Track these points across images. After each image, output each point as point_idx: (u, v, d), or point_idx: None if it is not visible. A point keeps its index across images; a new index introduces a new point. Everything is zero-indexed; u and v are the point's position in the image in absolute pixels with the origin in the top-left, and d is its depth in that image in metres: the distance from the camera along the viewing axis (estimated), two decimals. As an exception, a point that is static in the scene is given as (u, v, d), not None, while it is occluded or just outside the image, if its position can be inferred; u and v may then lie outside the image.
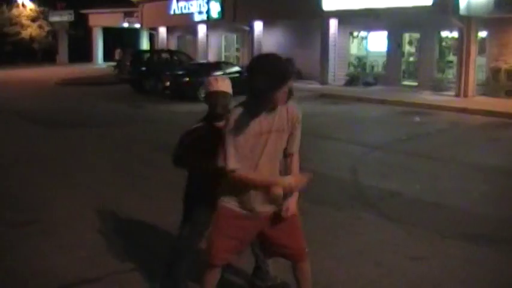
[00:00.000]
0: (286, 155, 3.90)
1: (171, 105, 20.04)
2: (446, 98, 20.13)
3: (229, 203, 3.87)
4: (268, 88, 3.47)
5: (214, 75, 4.51)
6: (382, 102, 19.59)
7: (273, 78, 3.44)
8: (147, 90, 23.54)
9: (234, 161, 3.64)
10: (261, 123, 3.66)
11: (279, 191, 3.63)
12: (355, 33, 27.11)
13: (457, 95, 20.41)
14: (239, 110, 3.68)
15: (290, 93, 3.67)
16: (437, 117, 16.46)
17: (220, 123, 4.11)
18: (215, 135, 3.98)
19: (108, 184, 8.83)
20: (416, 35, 24.57)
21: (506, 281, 5.35)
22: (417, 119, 15.76)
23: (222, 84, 4.32)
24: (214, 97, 4.29)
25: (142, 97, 22.52)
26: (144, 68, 25.08)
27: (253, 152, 3.69)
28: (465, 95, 20.19)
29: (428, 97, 20.56)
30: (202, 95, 4.41)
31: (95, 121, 16.14)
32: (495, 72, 20.64)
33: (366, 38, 26.68)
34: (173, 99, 20.95)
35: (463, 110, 17.57)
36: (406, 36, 25.08)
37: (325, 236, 6.27)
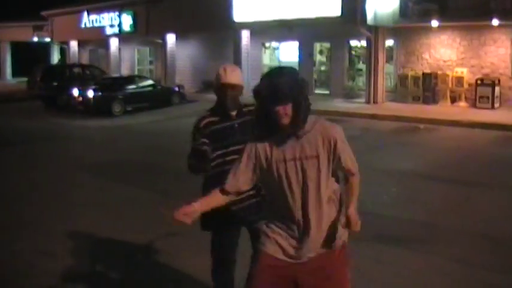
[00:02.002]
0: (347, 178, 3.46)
1: (85, 120, 19.69)
2: (357, 105, 20.72)
3: (269, 247, 3.36)
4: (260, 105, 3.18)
5: (224, 65, 4.13)
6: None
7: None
8: (59, 106, 22.99)
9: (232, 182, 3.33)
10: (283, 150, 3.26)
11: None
12: (267, 44, 27.46)
13: (368, 102, 21.03)
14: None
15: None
16: (349, 124, 16.88)
17: (233, 113, 4.05)
18: (228, 126, 3.95)
19: (29, 203, 8.68)
20: (327, 45, 25.15)
21: (415, 278, 5.60)
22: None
23: (231, 75, 4.06)
24: (223, 90, 4.04)
25: (55, 113, 22.01)
26: (55, 84, 24.48)
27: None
28: (375, 102, 20.84)
29: (340, 105, 21.08)
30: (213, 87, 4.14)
31: (8, 139, 15.63)
32: (403, 79, 21.42)
33: (277, 48, 27.09)
34: (86, 115, 20.58)
35: (374, 116, 18.14)
36: (317, 46, 25.62)
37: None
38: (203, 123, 4.11)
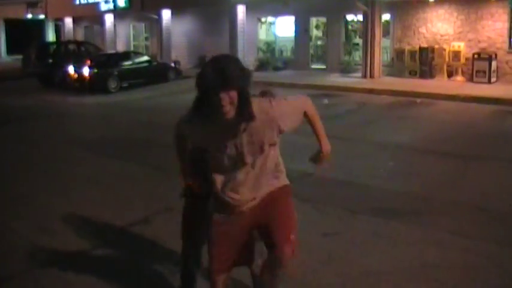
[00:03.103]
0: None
1: (80, 97, 19.62)
2: (354, 80, 20.65)
3: (217, 215, 3.64)
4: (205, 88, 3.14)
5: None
6: (292, 86, 19.84)
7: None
8: (54, 83, 22.86)
9: None
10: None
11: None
12: (263, 19, 27.30)
13: (364, 77, 20.96)
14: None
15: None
16: (346, 99, 16.89)
17: None
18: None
19: (25, 180, 8.68)
20: (323, 20, 25.01)
21: (411, 250, 5.61)
22: (326, 101, 16.07)
23: None
24: None
25: (50, 91, 21.89)
26: (50, 61, 24.35)
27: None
28: (372, 76, 20.78)
29: (336, 79, 21.02)
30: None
31: (3, 117, 15.54)
32: (399, 53, 21.33)
33: (273, 23, 26.93)
34: (82, 92, 20.48)
35: (370, 91, 18.10)
36: (313, 21, 25.49)
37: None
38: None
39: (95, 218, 6.74)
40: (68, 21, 37.14)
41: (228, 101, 3.09)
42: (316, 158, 3.78)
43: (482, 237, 5.93)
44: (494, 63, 18.80)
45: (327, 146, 3.75)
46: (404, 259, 5.40)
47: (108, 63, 21.70)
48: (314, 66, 24.72)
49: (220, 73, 3.04)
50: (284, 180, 3.72)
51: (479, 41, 19.66)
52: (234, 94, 3.10)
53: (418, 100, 16.33)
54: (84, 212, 6.96)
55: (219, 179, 3.51)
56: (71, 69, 21.42)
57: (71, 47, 28.02)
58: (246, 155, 3.38)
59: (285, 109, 3.43)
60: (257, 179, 3.51)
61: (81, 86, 20.97)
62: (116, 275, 5.14)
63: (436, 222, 6.42)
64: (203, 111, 3.21)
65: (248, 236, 3.73)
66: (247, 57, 25.61)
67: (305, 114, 3.60)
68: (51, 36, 41.12)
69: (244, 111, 3.17)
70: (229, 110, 3.12)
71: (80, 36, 37.14)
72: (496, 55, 18.95)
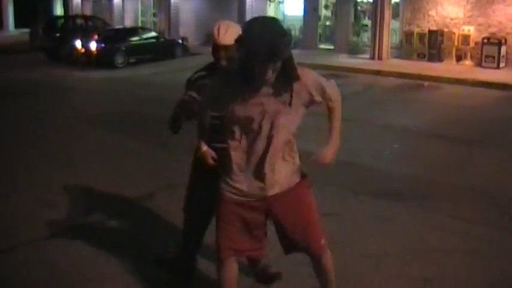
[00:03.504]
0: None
1: (87, 72, 19.57)
2: (362, 61, 20.53)
3: (228, 191, 3.43)
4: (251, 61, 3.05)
5: (219, 23, 3.95)
6: (300, 65, 19.69)
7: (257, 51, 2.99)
8: (62, 57, 22.80)
9: None
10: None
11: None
12: (272, -2, 27.17)
13: (372, 58, 20.82)
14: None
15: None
16: (353, 80, 16.80)
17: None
18: None
19: (29, 153, 8.72)
20: (332, 0, 24.84)
21: (413, 233, 5.61)
22: (332, 81, 15.96)
23: (225, 36, 3.86)
24: (217, 51, 3.92)
25: (57, 65, 21.82)
26: (58, 35, 24.27)
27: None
28: (380, 58, 20.65)
29: (344, 60, 20.90)
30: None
31: (9, 90, 15.50)
32: (408, 35, 21.17)
33: (282, 2, 26.76)
34: (89, 67, 20.42)
35: (378, 73, 17.99)
36: (323, 1, 25.30)
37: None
38: (194, 77, 4.11)
39: (97, 192, 6.77)
40: (76, -5, 36.98)
41: (273, 70, 3.08)
42: (314, 158, 3.54)
43: (484, 222, 5.93)
44: (503, 48, 18.63)
45: (333, 146, 3.59)
46: (405, 242, 5.41)
47: (115, 38, 21.63)
48: (322, 46, 24.58)
49: (269, 47, 2.97)
50: (300, 173, 3.56)
51: (489, 26, 19.47)
52: (279, 63, 3.09)
53: (426, 83, 16.24)
54: (86, 186, 6.99)
55: (237, 155, 3.37)
56: (78, 43, 21.36)
57: (79, 21, 27.88)
58: (271, 120, 3.27)
59: (315, 79, 3.41)
60: (276, 156, 3.36)
61: (88, 60, 20.90)
62: (117, 248, 5.16)
63: (438, 206, 6.41)
64: (243, 74, 3.15)
65: (262, 227, 3.56)
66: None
67: (328, 100, 3.48)
68: (59, 10, 41.01)
69: (291, 74, 3.19)
70: (272, 77, 3.13)
71: (88, 11, 36.94)
72: (505, 40, 18.77)
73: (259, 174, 3.36)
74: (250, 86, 3.17)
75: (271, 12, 27.18)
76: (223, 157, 3.48)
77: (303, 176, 3.55)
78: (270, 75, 3.09)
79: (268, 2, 27.00)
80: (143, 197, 6.58)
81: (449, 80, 16.39)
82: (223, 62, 3.93)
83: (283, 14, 26.57)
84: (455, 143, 9.41)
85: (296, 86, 3.25)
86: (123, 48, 21.15)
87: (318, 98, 3.38)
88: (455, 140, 9.54)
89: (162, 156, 8.40)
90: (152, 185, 6.98)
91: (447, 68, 18.75)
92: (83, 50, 21.15)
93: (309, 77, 3.34)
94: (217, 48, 3.91)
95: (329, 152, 3.55)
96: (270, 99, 3.22)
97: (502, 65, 18.55)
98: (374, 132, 10.13)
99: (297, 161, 3.52)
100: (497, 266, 4.95)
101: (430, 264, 4.94)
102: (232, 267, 3.53)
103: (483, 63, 18.70)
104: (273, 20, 3.25)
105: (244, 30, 3.12)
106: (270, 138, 3.29)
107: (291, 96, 3.24)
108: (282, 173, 3.41)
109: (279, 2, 27.01)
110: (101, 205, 6.42)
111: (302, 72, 3.29)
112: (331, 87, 3.49)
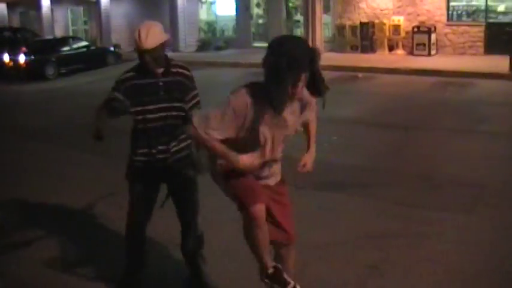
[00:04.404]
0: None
1: (18, 86, 19.01)
2: (297, 57, 20.56)
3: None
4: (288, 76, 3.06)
5: (139, 27, 3.83)
6: (235, 65, 19.69)
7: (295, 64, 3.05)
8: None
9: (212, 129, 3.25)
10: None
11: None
12: (204, -1, 27.06)
13: (307, 53, 20.90)
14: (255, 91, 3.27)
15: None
16: (288, 76, 16.79)
17: (159, 70, 3.89)
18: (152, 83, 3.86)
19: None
20: (264, -3, 24.93)
21: (356, 221, 5.63)
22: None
23: (147, 40, 3.76)
24: (141, 56, 3.82)
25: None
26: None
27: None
28: (314, 53, 20.75)
29: (279, 57, 20.89)
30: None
31: None
32: (340, 28, 21.43)
33: (214, 2, 26.68)
34: (19, 80, 19.85)
35: (312, 67, 18.05)
36: (253, -1, 25.38)
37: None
38: (122, 78, 4.00)
39: (41, 206, 6.56)
40: (2, 6, 35.89)
41: (302, 87, 3.18)
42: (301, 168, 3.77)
43: (425, 205, 6.00)
44: (433, 36, 19.07)
45: (312, 155, 3.90)
46: (349, 230, 5.41)
47: (44, 50, 21.13)
48: (256, 44, 24.55)
49: (295, 67, 3.04)
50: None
51: (418, 15, 19.88)
52: (305, 77, 3.15)
53: (360, 74, 16.43)
54: (30, 200, 6.78)
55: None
56: (6, 57, 20.77)
57: (7, 34, 27.07)
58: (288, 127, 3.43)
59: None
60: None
61: (17, 74, 20.37)
62: (61, 263, 4.98)
63: (379, 193, 6.46)
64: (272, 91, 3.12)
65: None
66: (189, 38, 25.36)
67: (312, 111, 3.77)
68: (-16, 24, 39.74)
69: (320, 89, 3.29)
70: (301, 91, 3.22)
71: (16, 23, 36.01)
72: (435, 28, 19.21)
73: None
74: (278, 103, 3.14)
75: (203, 13, 27.10)
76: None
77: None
78: (301, 91, 3.20)
79: (199, 3, 26.86)
80: (85, 206, 6.38)
81: (383, 69, 16.66)
82: (149, 65, 3.84)
83: (215, 14, 26.50)
84: (393, 130, 9.53)
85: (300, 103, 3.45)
86: (53, 59, 20.67)
87: (308, 108, 3.57)
88: (393, 127, 9.66)
89: (102, 165, 8.18)
90: (94, 194, 6.77)
91: (380, 58, 19.06)
92: (11, 63, 20.57)
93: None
94: (141, 53, 3.82)
95: (310, 162, 3.82)
96: (291, 114, 3.37)
97: (433, 52, 18.98)
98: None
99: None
100: (443, 247, 4.99)
101: (375, 250, 4.95)
102: (264, 227, 3.38)
103: (415, 52, 19.11)
104: (298, 42, 3.24)
105: (275, 46, 3.13)
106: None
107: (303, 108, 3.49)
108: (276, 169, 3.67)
109: (211, 3, 26.91)
110: (45, 219, 6.18)
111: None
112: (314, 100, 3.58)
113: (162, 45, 3.86)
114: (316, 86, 3.25)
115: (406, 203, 6.05)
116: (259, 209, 3.26)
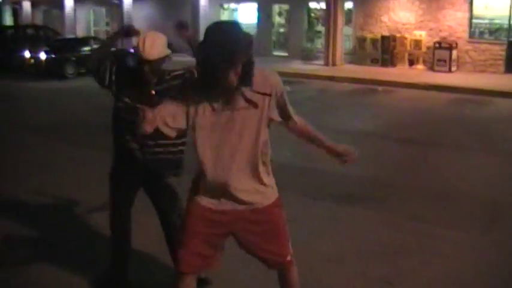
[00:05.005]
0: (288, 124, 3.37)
1: (37, 83, 19.13)
2: (316, 67, 20.61)
3: (201, 199, 3.23)
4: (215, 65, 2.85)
5: (145, 35, 3.80)
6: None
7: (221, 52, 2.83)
8: (11, 68, 22.21)
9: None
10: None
11: None
12: (226, 5, 27.10)
13: (326, 64, 20.94)
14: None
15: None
16: (307, 86, 16.82)
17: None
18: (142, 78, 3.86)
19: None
20: (286, 7, 24.91)
21: (369, 234, 5.58)
22: (288, 88, 15.93)
23: (150, 51, 3.74)
24: (140, 63, 3.80)
25: (6, 76, 21.28)
26: (7, 45, 23.67)
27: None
28: (333, 64, 20.77)
29: (298, 66, 20.95)
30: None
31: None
32: (361, 41, 21.39)
33: (236, 9, 26.75)
34: (38, 77, 19.97)
35: (332, 78, 18.07)
36: (276, 8, 25.37)
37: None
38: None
39: (42, 202, 6.55)
40: (26, 4, 36.29)
41: (234, 75, 2.90)
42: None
43: (441, 222, 5.93)
44: (454, 52, 18.97)
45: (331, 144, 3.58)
46: (364, 244, 5.36)
47: (65, 49, 21.21)
48: (276, 53, 24.63)
49: (227, 54, 2.82)
50: (275, 191, 3.40)
51: (440, 30, 19.81)
52: (239, 67, 2.89)
53: (380, 88, 16.37)
54: (31, 195, 6.76)
55: (206, 156, 3.12)
56: (27, 54, 20.90)
57: (29, 31, 27.23)
58: (237, 126, 3.06)
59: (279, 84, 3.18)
60: (247, 165, 3.14)
61: (37, 71, 20.45)
62: (70, 262, 4.97)
63: (394, 207, 6.40)
64: (206, 82, 2.97)
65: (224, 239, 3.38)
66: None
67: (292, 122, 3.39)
68: (8, 20, 40.17)
69: (246, 79, 2.95)
70: (234, 81, 2.92)
71: (39, 21, 36.28)
72: (456, 44, 19.11)
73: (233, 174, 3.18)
74: (213, 94, 3.01)
75: (225, 17, 27.17)
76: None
77: (277, 196, 3.42)
78: (232, 79, 2.90)
79: (221, 10, 26.94)
80: (96, 205, 6.37)
81: (403, 84, 16.58)
82: (146, 75, 3.83)
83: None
84: (410, 145, 9.47)
85: (260, 87, 3.07)
86: (73, 59, 20.75)
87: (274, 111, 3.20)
88: (410, 142, 9.60)
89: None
90: (97, 191, 6.75)
91: (400, 72, 18.98)
92: (32, 61, 20.70)
93: (274, 79, 3.16)
94: (141, 61, 3.79)
95: (346, 148, 3.60)
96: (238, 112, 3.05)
97: (453, 68, 18.88)
98: (329, 136, 9.98)
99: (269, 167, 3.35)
100: (456, 266, 4.93)
101: (390, 265, 4.90)
102: (192, 284, 3.35)
103: (435, 67, 19.01)
104: (231, 24, 3.09)
105: (204, 35, 2.93)
106: (240, 143, 3.11)
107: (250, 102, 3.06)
108: (253, 184, 3.24)
109: (233, 9, 26.99)
110: (46, 215, 6.18)
111: (269, 72, 3.17)
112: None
113: (163, 60, 3.85)
114: (247, 73, 2.94)
115: (421, 219, 5.99)
116: (185, 280, 3.28)
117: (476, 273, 4.80)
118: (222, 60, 2.82)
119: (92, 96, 15.76)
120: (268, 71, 3.18)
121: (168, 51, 3.88)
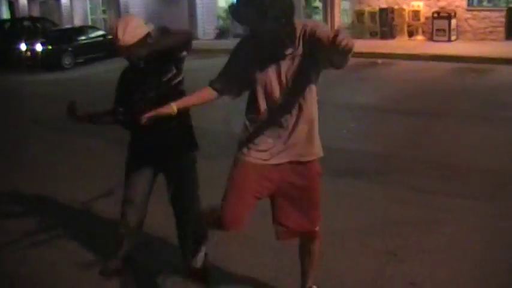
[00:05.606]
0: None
1: (35, 75, 19.11)
2: (315, 44, 20.44)
3: (248, 155, 3.29)
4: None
5: (117, 21, 3.66)
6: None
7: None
8: (9, 61, 22.17)
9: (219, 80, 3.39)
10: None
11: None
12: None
13: (325, 40, 20.77)
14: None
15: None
16: (307, 63, 16.71)
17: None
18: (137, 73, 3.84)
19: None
20: (282, -16, 24.72)
21: (374, 208, 5.56)
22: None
23: (125, 36, 3.58)
24: (120, 52, 3.67)
25: (4, 69, 21.26)
26: (4, 38, 23.63)
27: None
28: (332, 39, 20.60)
29: (297, 44, 20.78)
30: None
31: None
32: (359, 15, 21.19)
33: (232, -14, 26.59)
34: (36, 69, 19.95)
35: (331, 54, 17.92)
36: (273, -14, 25.17)
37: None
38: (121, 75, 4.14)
39: (54, 192, 6.55)
40: (22, -3, 36.11)
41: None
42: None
43: (445, 192, 5.90)
44: (453, 22, 18.78)
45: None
46: (367, 217, 5.35)
47: (61, 39, 21.18)
48: (274, 31, 24.45)
49: (263, 17, 2.99)
50: (320, 150, 3.49)
51: (438, 0, 19.61)
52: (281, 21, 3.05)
53: (380, 61, 16.26)
54: (42, 186, 6.77)
55: (263, 107, 3.30)
56: (23, 46, 20.91)
57: (26, 23, 27.17)
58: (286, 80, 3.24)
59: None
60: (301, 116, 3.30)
61: (34, 63, 20.48)
62: (79, 251, 4.98)
63: (398, 179, 6.37)
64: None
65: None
66: (207, 26, 25.26)
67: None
68: (5, 14, 39.98)
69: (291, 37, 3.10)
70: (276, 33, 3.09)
71: (36, 13, 36.12)
72: (455, 13, 18.92)
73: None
74: (262, 47, 3.16)
75: (221, 0, 26.97)
76: None
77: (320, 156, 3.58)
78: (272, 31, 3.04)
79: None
80: (104, 193, 6.37)
81: (403, 56, 16.45)
82: (134, 59, 3.75)
83: (234, 1, 26.39)
84: (412, 116, 9.41)
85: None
86: (70, 49, 20.73)
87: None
88: (412, 114, 9.54)
89: (118, 153, 8.16)
90: (110, 181, 6.76)
91: (400, 44, 18.83)
92: (29, 53, 20.69)
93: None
94: (119, 49, 3.66)
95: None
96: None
97: (453, 38, 18.70)
98: (330, 112, 10.01)
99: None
100: (460, 235, 4.91)
101: (394, 236, 4.88)
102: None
103: (434, 37, 18.83)
104: None
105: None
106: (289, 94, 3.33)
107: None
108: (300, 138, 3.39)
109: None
110: (58, 205, 6.19)
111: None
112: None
113: (143, 39, 3.68)
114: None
115: (425, 190, 5.96)
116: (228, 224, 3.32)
117: (482, 241, 4.77)
118: (260, 28, 3.05)
119: (92, 86, 15.82)
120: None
121: (148, 29, 3.73)
